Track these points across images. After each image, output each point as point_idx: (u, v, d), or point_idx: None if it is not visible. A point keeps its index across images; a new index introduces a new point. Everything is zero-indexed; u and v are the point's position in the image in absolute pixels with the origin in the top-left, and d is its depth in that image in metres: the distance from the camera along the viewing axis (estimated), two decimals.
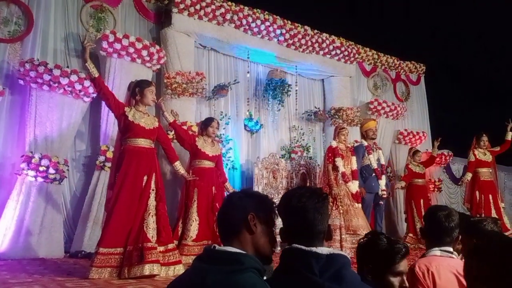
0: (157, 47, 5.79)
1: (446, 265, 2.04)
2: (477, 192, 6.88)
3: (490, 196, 6.84)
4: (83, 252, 4.75)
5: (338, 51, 7.90)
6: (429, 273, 1.99)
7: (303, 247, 1.42)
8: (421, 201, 7.16)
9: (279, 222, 1.59)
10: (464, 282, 1.94)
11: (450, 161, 9.49)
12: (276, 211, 1.55)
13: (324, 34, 7.81)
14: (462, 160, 9.39)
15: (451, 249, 2.13)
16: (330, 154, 5.76)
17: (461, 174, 9.46)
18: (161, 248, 3.68)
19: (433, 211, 2.23)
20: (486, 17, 10.77)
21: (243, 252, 1.39)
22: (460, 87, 11.70)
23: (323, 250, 1.42)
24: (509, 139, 7.05)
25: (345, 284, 1.36)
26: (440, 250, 2.12)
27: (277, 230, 1.57)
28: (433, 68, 10.00)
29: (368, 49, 8.85)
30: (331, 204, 5.46)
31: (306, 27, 7.59)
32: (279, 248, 4.02)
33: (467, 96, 11.90)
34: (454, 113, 10.90)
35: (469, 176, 6.95)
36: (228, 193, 1.31)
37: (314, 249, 1.41)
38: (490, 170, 7.04)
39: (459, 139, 8.49)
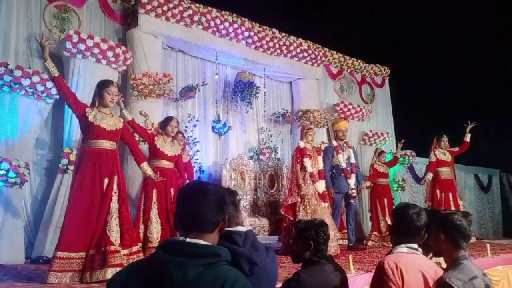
0: (123, 48, 5.72)
1: (413, 262, 2.12)
2: (437, 191, 7.14)
3: (450, 195, 7.10)
4: (44, 258, 4.62)
5: (305, 54, 8.02)
6: (398, 269, 2.06)
7: (228, 228, 1.75)
8: (385, 200, 7.35)
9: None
10: (429, 279, 2.07)
11: (413, 161, 9.80)
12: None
13: (292, 37, 7.91)
14: (424, 160, 9.70)
15: (416, 246, 2.20)
16: (298, 155, 5.80)
17: (423, 174, 9.77)
18: (125, 251, 3.64)
19: (404, 208, 2.27)
20: (450, 20, 11.23)
21: (216, 245, 1.42)
22: (422, 90, 12.14)
23: (242, 228, 1.91)
24: (468, 140, 7.34)
25: (260, 251, 1.91)
26: (407, 247, 2.18)
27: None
28: (397, 71, 10.30)
29: (334, 52, 9.04)
30: (299, 204, 5.54)
31: (274, 29, 7.67)
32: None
33: (428, 98, 12.37)
34: (416, 114, 11.27)
35: (430, 176, 7.20)
36: (199, 185, 1.25)
37: (235, 228, 1.88)
38: (450, 169, 7.32)
39: (421, 139, 8.77)
